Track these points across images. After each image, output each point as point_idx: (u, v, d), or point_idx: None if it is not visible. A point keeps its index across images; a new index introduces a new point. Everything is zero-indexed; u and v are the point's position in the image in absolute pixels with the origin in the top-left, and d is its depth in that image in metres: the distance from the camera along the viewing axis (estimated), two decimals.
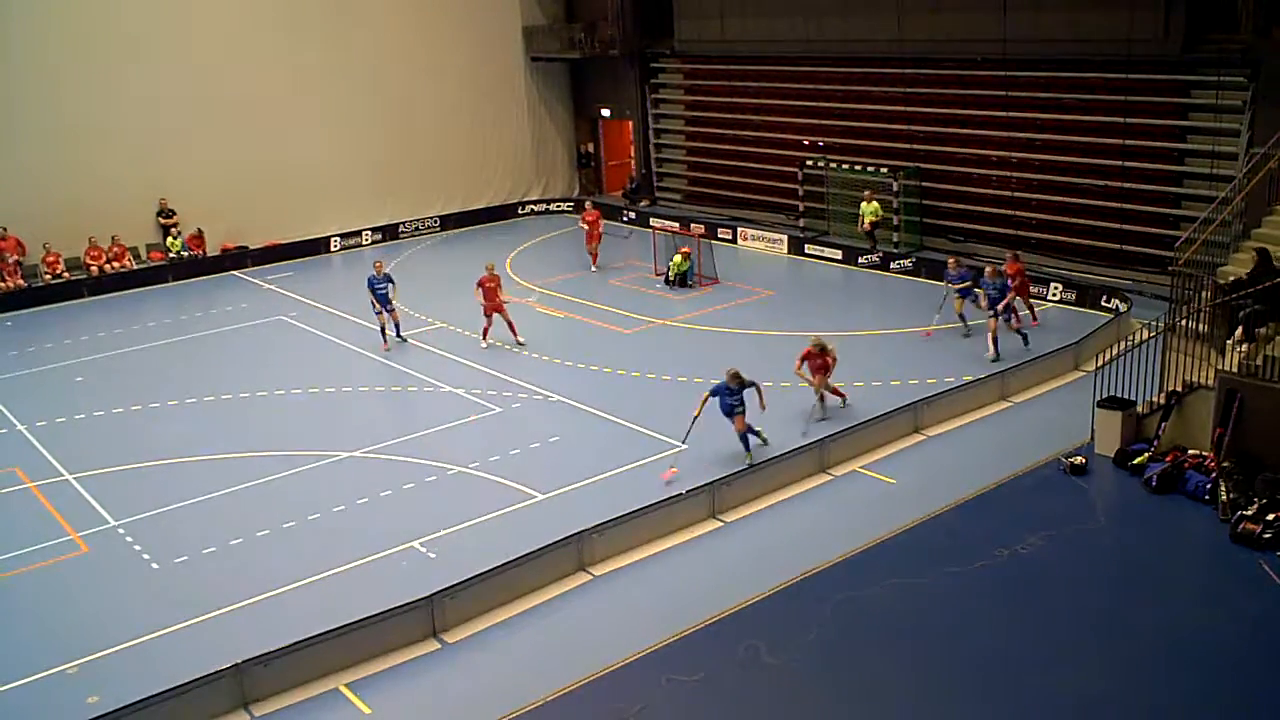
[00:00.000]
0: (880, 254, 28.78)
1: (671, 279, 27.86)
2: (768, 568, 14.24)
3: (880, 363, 21.58)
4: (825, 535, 15.07)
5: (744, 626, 13.02)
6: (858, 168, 29.92)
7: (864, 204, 29.05)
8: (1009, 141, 27.68)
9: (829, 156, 30.98)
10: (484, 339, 23.52)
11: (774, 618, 13.20)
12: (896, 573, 13.94)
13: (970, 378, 19.83)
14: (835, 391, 19.22)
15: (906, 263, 28.40)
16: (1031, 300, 23.66)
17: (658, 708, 11.70)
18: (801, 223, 31.74)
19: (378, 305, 23.47)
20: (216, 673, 11.92)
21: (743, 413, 17.10)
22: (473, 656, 12.88)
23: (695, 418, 17.08)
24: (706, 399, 17.11)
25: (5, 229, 29.17)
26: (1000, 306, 21.52)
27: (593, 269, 29.76)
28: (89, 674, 12.76)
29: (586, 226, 30.29)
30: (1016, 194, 27.72)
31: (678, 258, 27.91)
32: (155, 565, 15.22)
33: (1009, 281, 22.01)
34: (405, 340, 24.13)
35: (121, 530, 16.23)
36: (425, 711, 12.00)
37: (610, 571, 14.49)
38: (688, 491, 15.73)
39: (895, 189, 29.05)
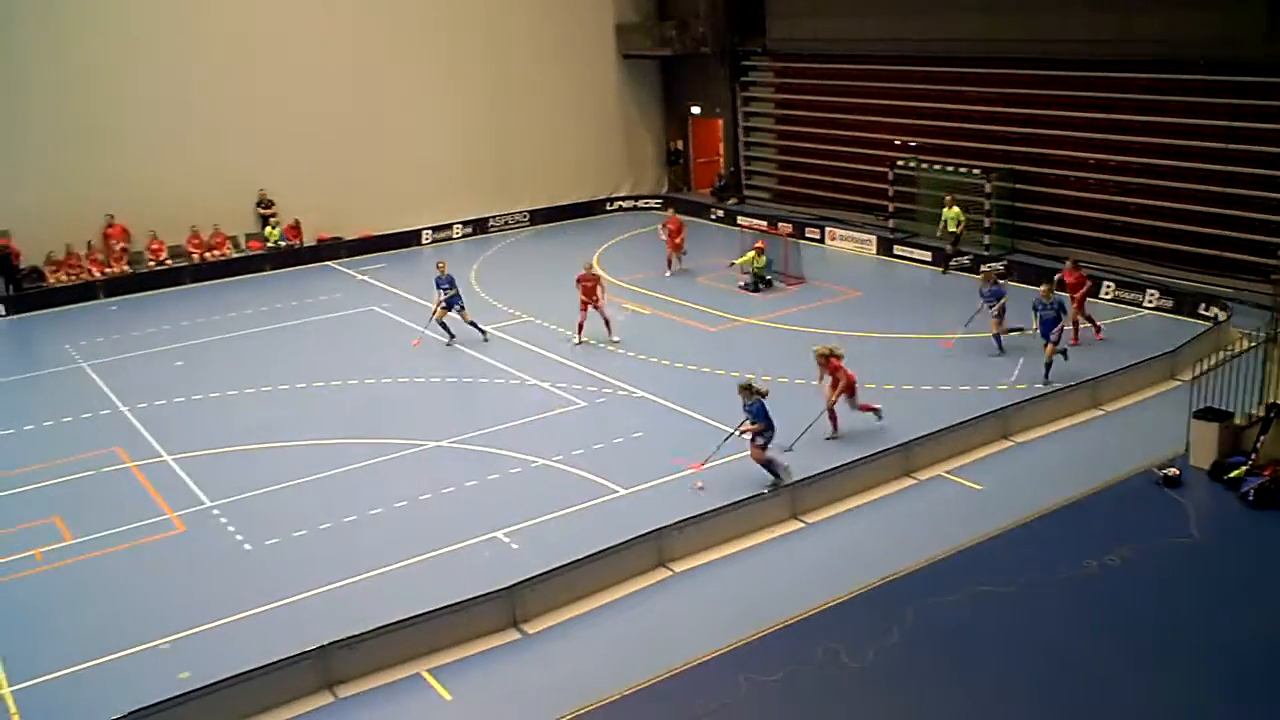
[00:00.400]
0: (965, 258, 28.08)
1: (752, 281, 27.13)
2: (849, 570, 14.15)
3: (968, 367, 21.28)
4: (908, 539, 14.93)
5: (823, 628, 12.95)
6: (949, 168, 29.52)
7: (945, 209, 28.32)
8: (1107, 144, 27.09)
9: (920, 157, 30.63)
10: (578, 334, 23.61)
11: (854, 621, 13.13)
12: (980, 580, 13.75)
13: (1061, 385, 19.47)
14: (866, 407, 18.20)
15: (998, 265, 27.93)
16: (1090, 314, 22.34)
17: (735, 707, 11.71)
18: (891, 223, 31.42)
19: (443, 302, 23.73)
20: (303, 654, 12.20)
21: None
22: (552, 648, 13.01)
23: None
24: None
25: (113, 216, 30.20)
26: (1055, 334, 19.92)
27: (666, 274, 28.98)
28: (181, 650, 13.15)
29: (666, 235, 29.49)
30: (1113, 197, 27.11)
31: (750, 254, 27.31)
32: (247, 546, 15.64)
33: (1068, 299, 20.80)
34: (453, 342, 23.95)
35: (216, 511, 16.70)
36: (504, 700, 12.15)
37: (690, 568, 14.52)
38: (769, 491, 15.70)
39: (987, 190, 28.60)
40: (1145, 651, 12.35)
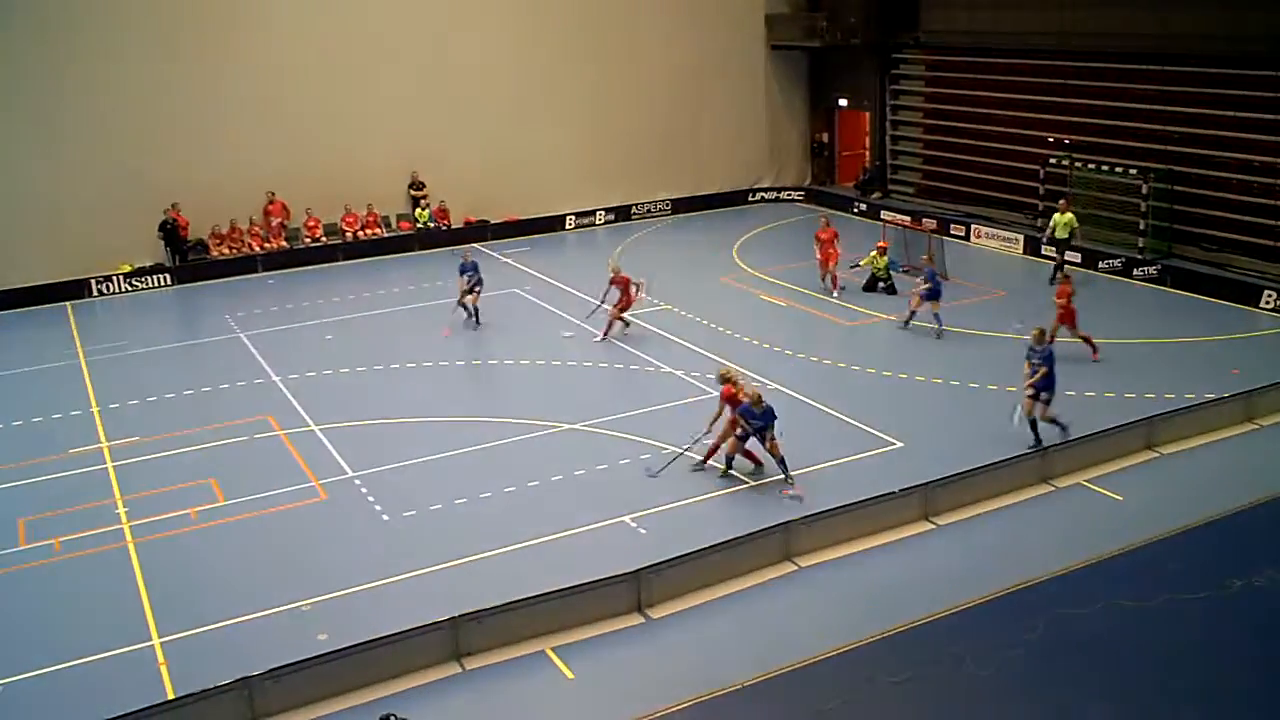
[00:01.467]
0: (1065, 268, 26.03)
1: (869, 281, 26.11)
2: (979, 575, 13.93)
3: (1111, 374, 20.61)
4: (1042, 548, 14.60)
5: (950, 633, 12.79)
6: (1104, 168, 28.53)
7: (1057, 214, 26.86)
8: (1273, 146, 25.78)
9: (1074, 155, 29.69)
10: (624, 325, 23.77)
11: (983, 627, 12.91)
12: (1116, 594, 13.38)
13: (1212, 395, 18.73)
14: (749, 454, 16.90)
15: (1151, 270, 26.99)
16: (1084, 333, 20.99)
17: (857, 706, 11.66)
18: (1040, 222, 30.52)
19: (466, 287, 24.64)
20: (434, 624, 12.58)
21: (772, 436, 16.29)
22: (674, 634, 13.13)
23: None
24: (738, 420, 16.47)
25: (274, 194, 31.47)
26: (1044, 394, 17.09)
27: (834, 296, 25.99)
28: (320, 612, 13.71)
29: (819, 246, 26.51)
30: (1278, 202, 25.79)
31: (873, 253, 26.28)
32: (386, 517, 16.19)
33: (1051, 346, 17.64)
34: (479, 326, 24.82)
35: (358, 481, 17.32)
36: (624, 682, 12.31)
37: (816, 564, 14.48)
38: (900, 490, 15.51)
39: (1144, 191, 27.57)
40: None
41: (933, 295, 22.89)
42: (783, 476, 16.42)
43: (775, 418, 16.43)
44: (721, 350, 22.57)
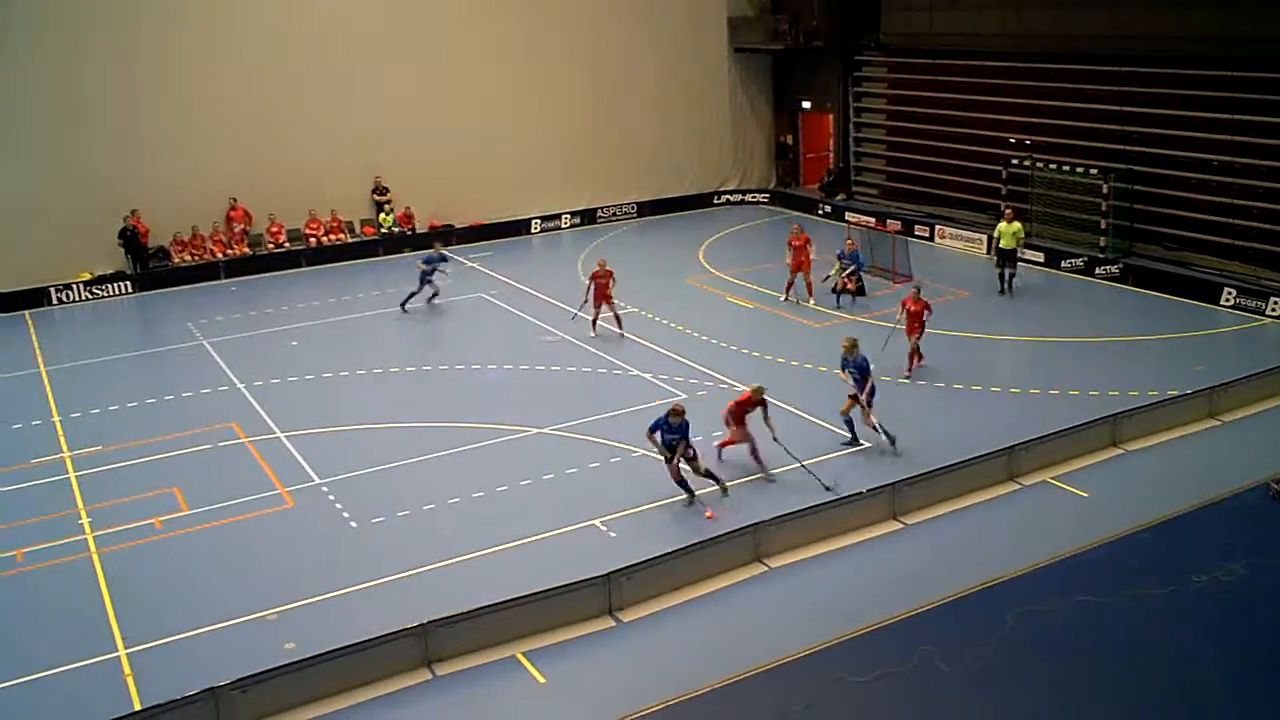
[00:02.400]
0: (1011, 285, 25.92)
1: (839, 288, 25.66)
2: (947, 574, 14.01)
3: (1077, 372, 20.82)
4: (1010, 545, 14.71)
5: (919, 631, 12.85)
6: (1065, 168, 28.82)
7: (1002, 224, 25.90)
8: (1231, 145, 26.12)
9: (1035, 155, 29.97)
10: (592, 329, 23.82)
11: (951, 625, 12.98)
12: (1082, 590, 13.49)
13: (1175, 392, 18.94)
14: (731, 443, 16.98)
15: (1113, 269, 27.28)
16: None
17: (825, 706, 11.70)
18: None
19: (428, 280, 26.30)
20: (404, 631, 12.51)
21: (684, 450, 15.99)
22: (646, 637, 13.13)
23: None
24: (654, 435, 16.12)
25: (236, 199, 31.21)
26: (864, 396, 17.47)
27: (809, 302, 25.71)
28: (288, 621, 13.60)
29: (791, 253, 25.96)
30: (1236, 201, 26.15)
31: (837, 266, 25.84)
32: (353, 524, 16.08)
33: (870, 361, 17.89)
34: (407, 311, 26.30)
35: (325, 489, 17.19)
36: (597, 685, 12.30)
37: (785, 565, 14.52)
38: (868, 491, 15.58)
39: (1105, 191, 27.86)
40: (1252, 672, 11.99)
41: (857, 278, 25.24)
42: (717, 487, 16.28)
43: (687, 432, 15.98)
44: (690, 353, 22.61)
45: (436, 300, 26.65)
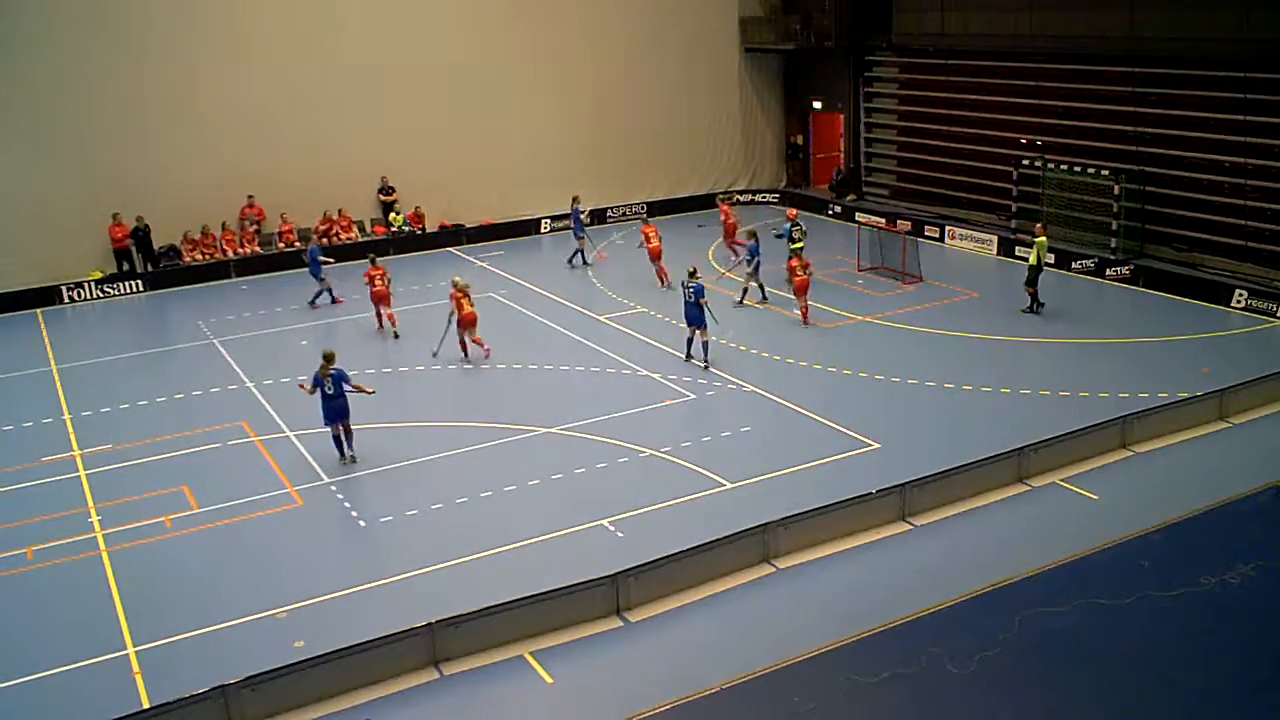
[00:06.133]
0: (1037, 305, 24.62)
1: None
2: (956, 575, 13.98)
3: (1087, 373, 20.76)
4: (1019, 547, 14.68)
5: (929, 633, 12.82)
6: (1076, 169, 28.73)
7: (1042, 238, 24.74)
8: (1242, 146, 26.01)
9: (1046, 156, 29.89)
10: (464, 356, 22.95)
11: (960, 627, 12.95)
12: (1091, 592, 13.45)
13: (1185, 394, 18.88)
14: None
15: (1124, 270, 27.20)
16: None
17: (834, 707, 11.68)
18: (1013, 224, 30.72)
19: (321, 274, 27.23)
20: (411, 630, 12.53)
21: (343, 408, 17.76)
22: (653, 637, 13.12)
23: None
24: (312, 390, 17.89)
25: (253, 197, 31.34)
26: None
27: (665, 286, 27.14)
28: (296, 620, 13.62)
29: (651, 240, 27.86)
30: (1248, 202, 26.04)
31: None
32: (362, 523, 16.11)
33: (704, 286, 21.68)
34: (316, 306, 27.27)
35: (334, 488, 17.23)
36: (604, 685, 12.31)
37: (794, 565, 14.50)
38: (878, 491, 15.56)
39: (1116, 192, 27.77)
40: (1263, 673, 11.94)
41: (754, 268, 25.82)
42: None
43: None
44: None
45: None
